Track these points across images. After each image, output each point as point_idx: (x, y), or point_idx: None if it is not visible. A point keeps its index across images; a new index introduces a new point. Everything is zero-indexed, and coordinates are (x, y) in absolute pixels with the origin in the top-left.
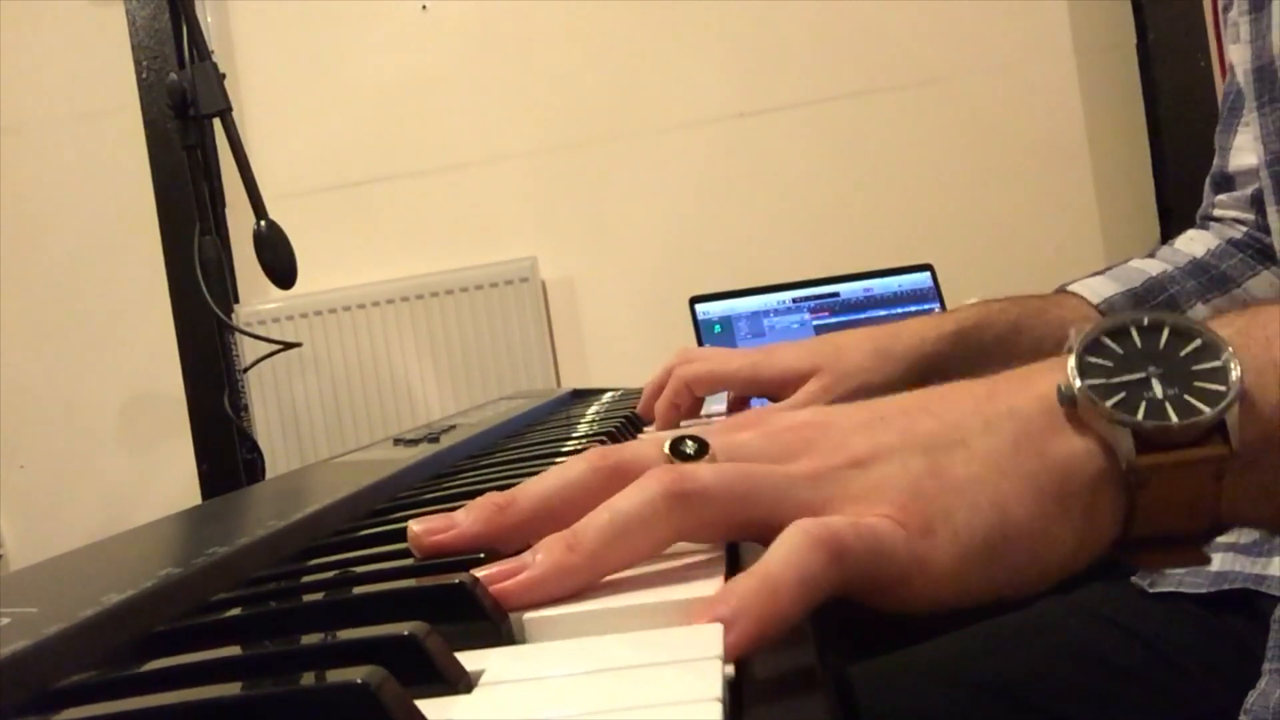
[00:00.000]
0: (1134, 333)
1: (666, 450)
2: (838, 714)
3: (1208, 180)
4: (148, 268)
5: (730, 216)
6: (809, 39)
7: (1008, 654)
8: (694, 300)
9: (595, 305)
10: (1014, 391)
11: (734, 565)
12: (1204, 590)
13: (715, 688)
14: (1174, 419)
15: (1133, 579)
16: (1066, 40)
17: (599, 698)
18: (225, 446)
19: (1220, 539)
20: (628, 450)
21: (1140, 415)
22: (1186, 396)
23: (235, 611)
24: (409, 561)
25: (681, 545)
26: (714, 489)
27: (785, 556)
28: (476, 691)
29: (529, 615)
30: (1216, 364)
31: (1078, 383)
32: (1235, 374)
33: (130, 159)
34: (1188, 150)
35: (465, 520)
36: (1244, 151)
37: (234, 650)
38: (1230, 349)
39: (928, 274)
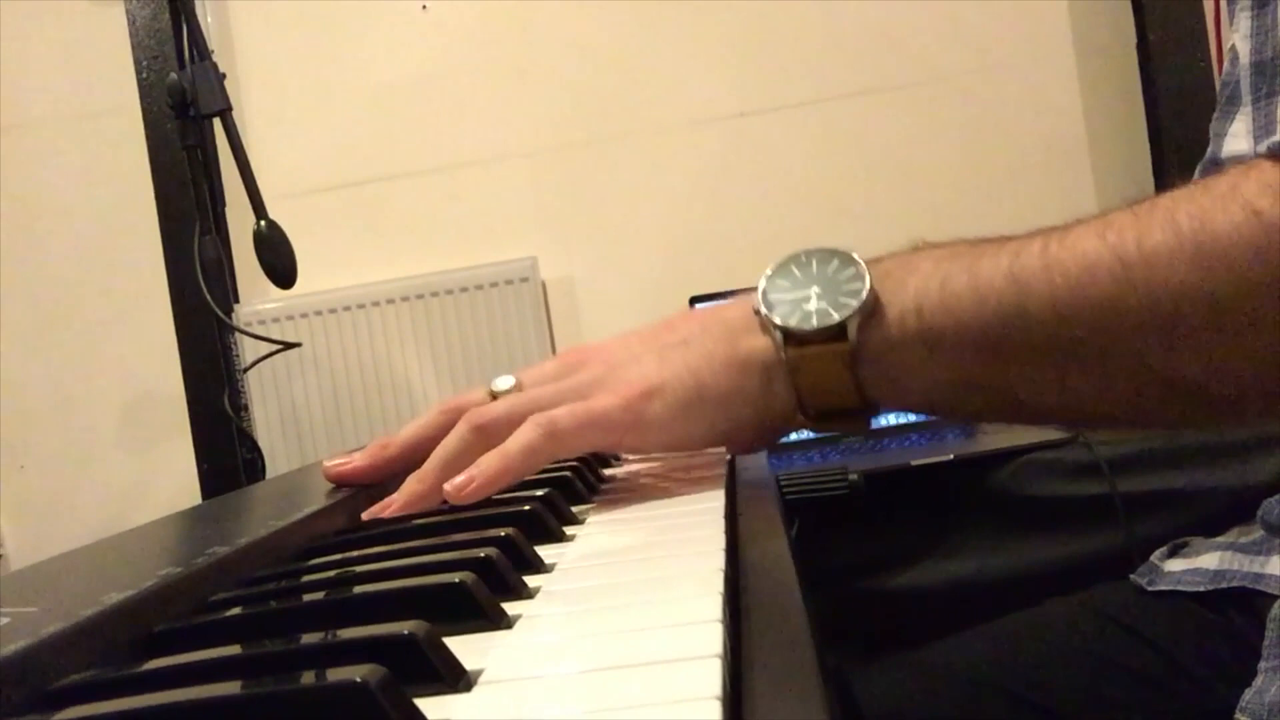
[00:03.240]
0: (812, 262)
1: (486, 392)
2: (838, 714)
3: (1199, 168)
4: (148, 268)
5: (730, 216)
6: (809, 39)
7: (1008, 653)
8: (694, 300)
9: (595, 305)
10: (730, 307)
11: (735, 562)
12: (1202, 589)
13: (714, 687)
14: (813, 322)
15: (1131, 577)
16: (1066, 40)
17: (598, 697)
18: (225, 446)
19: (1219, 538)
20: (465, 397)
21: (793, 321)
22: (829, 308)
23: (235, 611)
24: (409, 561)
25: (682, 541)
26: (502, 416)
27: (514, 437)
28: (476, 690)
29: (529, 613)
30: (858, 286)
31: (758, 298)
32: (865, 292)
33: (130, 159)
34: (1188, 150)
35: (359, 457)
36: (1237, 138)
37: (234, 649)
38: (868, 276)
39: None
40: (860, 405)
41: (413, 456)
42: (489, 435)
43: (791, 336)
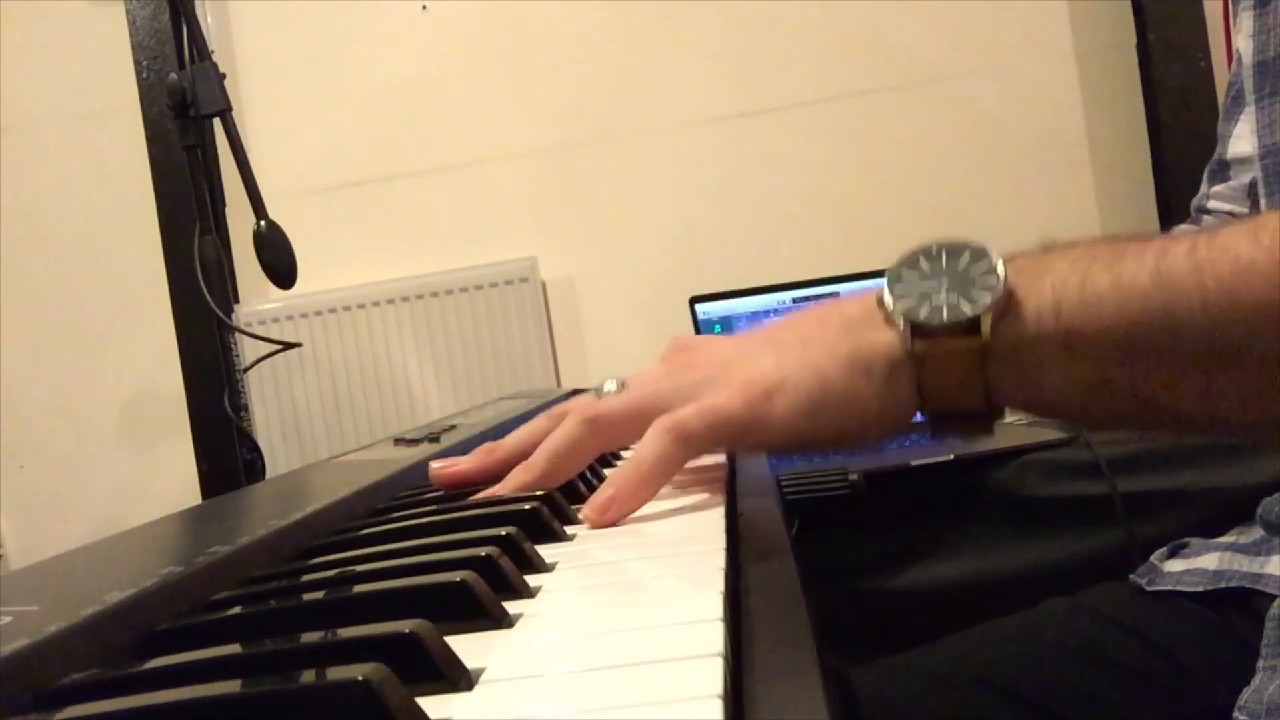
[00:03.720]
0: (943, 254)
1: (594, 393)
2: (838, 713)
3: (1205, 170)
4: (148, 268)
5: (730, 216)
6: (809, 39)
7: (1008, 652)
8: (694, 300)
9: (595, 305)
10: (851, 302)
11: (735, 562)
12: (1202, 589)
13: (716, 686)
14: (944, 315)
15: (1131, 577)
16: (1066, 40)
17: (599, 695)
18: (225, 446)
19: (1219, 539)
20: (574, 401)
21: (921, 314)
22: (961, 302)
23: (236, 610)
24: (410, 560)
25: (683, 540)
26: (615, 413)
27: (644, 444)
28: (477, 689)
29: (530, 612)
30: (991, 279)
31: (886, 290)
32: (1000, 285)
33: (130, 159)
34: (1188, 150)
35: (467, 460)
36: (1242, 139)
37: (235, 648)
38: (1002, 270)
39: None
40: (984, 406)
41: (521, 458)
42: (601, 430)
43: (919, 330)
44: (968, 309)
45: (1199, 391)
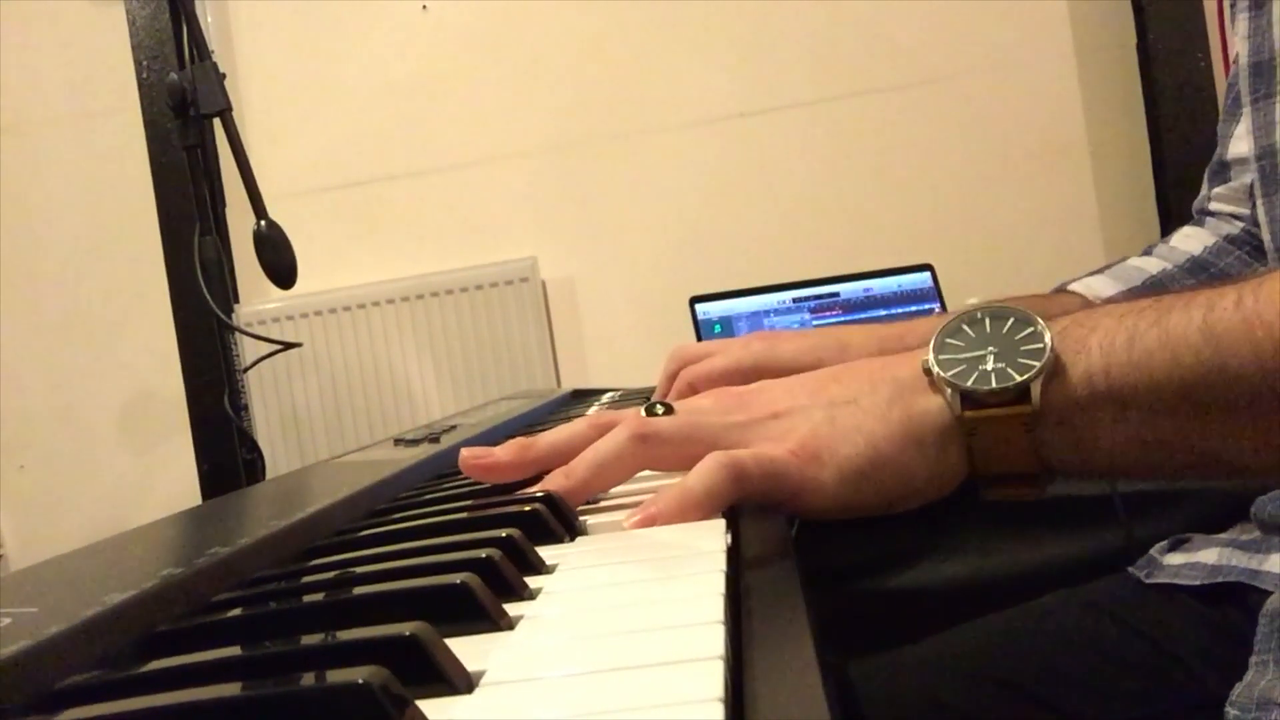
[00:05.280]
0: (986, 320)
1: (642, 411)
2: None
3: (1206, 171)
4: (148, 268)
5: (730, 216)
6: (809, 39)
7: (1005, 645)
8: (694, 300)
9: (595, 305)
10: (899, 364)
11: (736, 563)
12: (1199, 583)
13: (716, 688)
14: (993, 384)
15: (1129, 569)
16: (1066, 40)
17: (600, 698)
18: (225, 446)
19: (1220, 535)
20: (618, 414)
21: (969, 381)
22: (1009, 369)
23: (236, 612)
24: (410, 562)
25: (683, 542)
26: (666, 432)
27: (698, 474)
28: (478, 691)
29: (531, 614)
30: (1038, 345)
31: (932, 357)
32: (1048, 352)
33: (130, 159)
34: (1188, 150)
35: (501, 452)
36: (1240, 140)
37: (235, 650)
38: (1049, 336)
39: (928, 274)
40: (1036, 470)
41: (556, 463)
42: (651, 448)
43: (968, 398)
44: (1016, 376)
45: (1257, 442)
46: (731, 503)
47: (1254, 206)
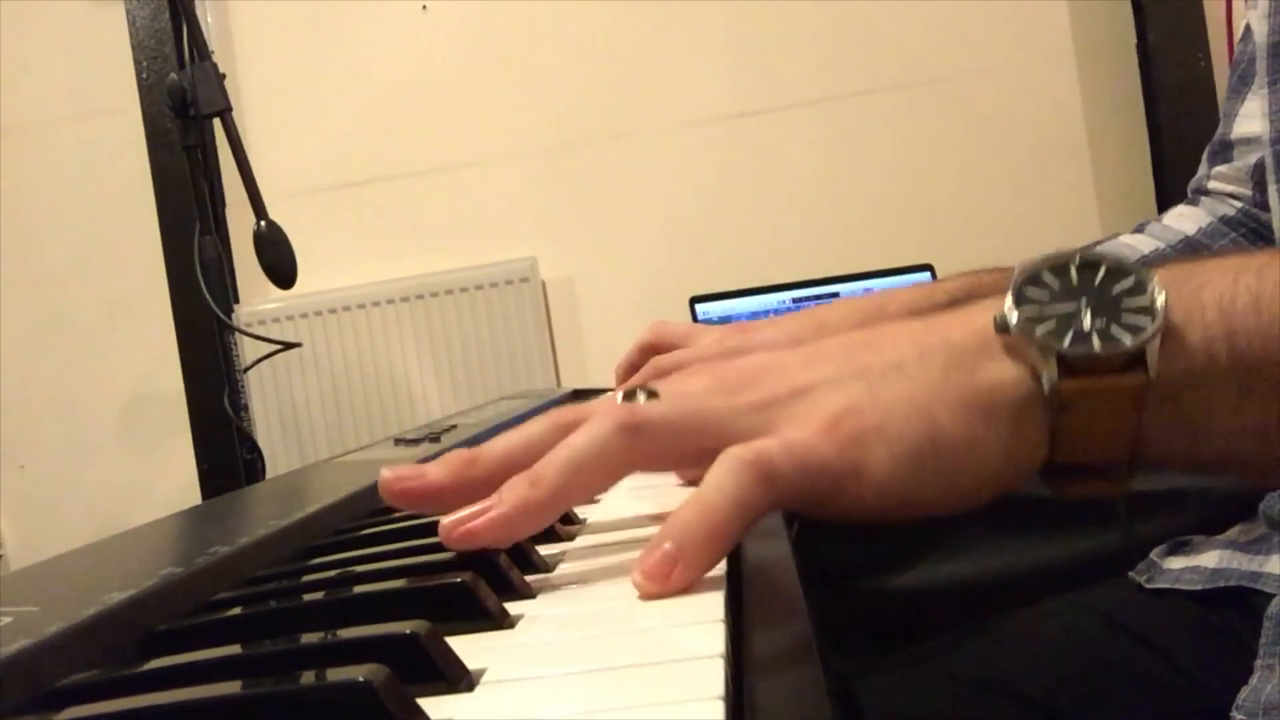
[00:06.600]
0: (1071, 269)
1: (619, 399)
2: (839, 714)
3: (1206, 150)
4: (148, 268)
5: (730, 216)
6: (809, 39)
7: (1006, 651)
8: (694, 300)
9: (595, 305)
10: (950, 325)
11: (736, 563)
12: (1199, 587)
13: (716, 687)
14: (1097, 347)
15: (1130, 574)
16: (1066, 40)
17: (600, 697)
18: (225, 446)
19: (1220, 536)
20: (585, 407)
21: (1065, 342)
22: (1113, 328)
23: (236, 611)
24: (410, 561)
25: None
26: (661, 419)
27: (719, 481)
28: (478, 690)
29: (531, 613)
30: (1144, 300)
31: (1013, 312)
32: (1160, 310)
33: (130, 159)
34: (1188, 150)
35: (435, 471)
36: (1249, 119)
37: (235, 649)
38: (1159, 287)
39: (928, 274)
40: (1128, 459)
41: (511, 473)
42: (643, 441)
43: (1068, 365)
44: (1128, 339)
45: None
46: (765, 513)
47: (1259, 188)
